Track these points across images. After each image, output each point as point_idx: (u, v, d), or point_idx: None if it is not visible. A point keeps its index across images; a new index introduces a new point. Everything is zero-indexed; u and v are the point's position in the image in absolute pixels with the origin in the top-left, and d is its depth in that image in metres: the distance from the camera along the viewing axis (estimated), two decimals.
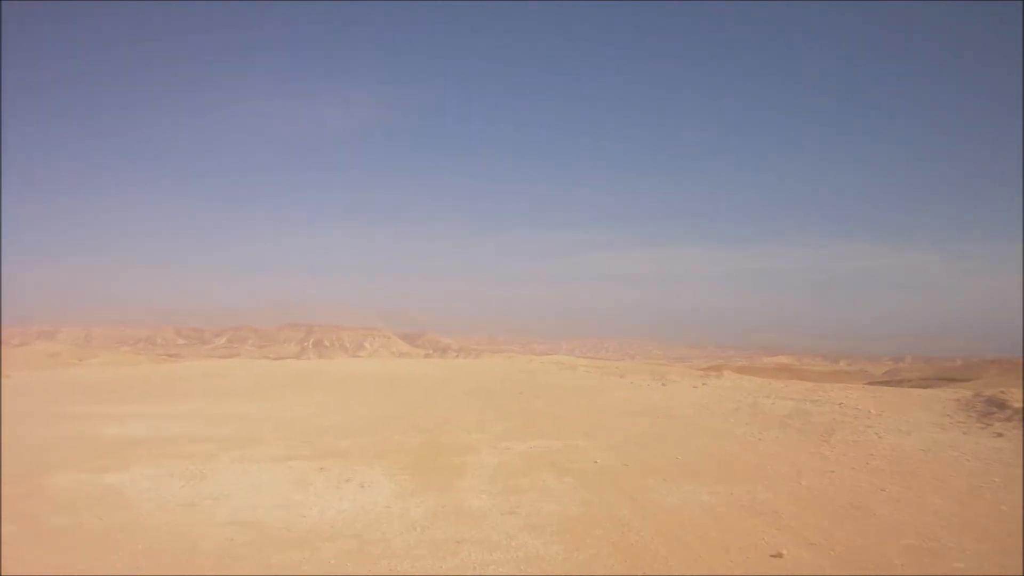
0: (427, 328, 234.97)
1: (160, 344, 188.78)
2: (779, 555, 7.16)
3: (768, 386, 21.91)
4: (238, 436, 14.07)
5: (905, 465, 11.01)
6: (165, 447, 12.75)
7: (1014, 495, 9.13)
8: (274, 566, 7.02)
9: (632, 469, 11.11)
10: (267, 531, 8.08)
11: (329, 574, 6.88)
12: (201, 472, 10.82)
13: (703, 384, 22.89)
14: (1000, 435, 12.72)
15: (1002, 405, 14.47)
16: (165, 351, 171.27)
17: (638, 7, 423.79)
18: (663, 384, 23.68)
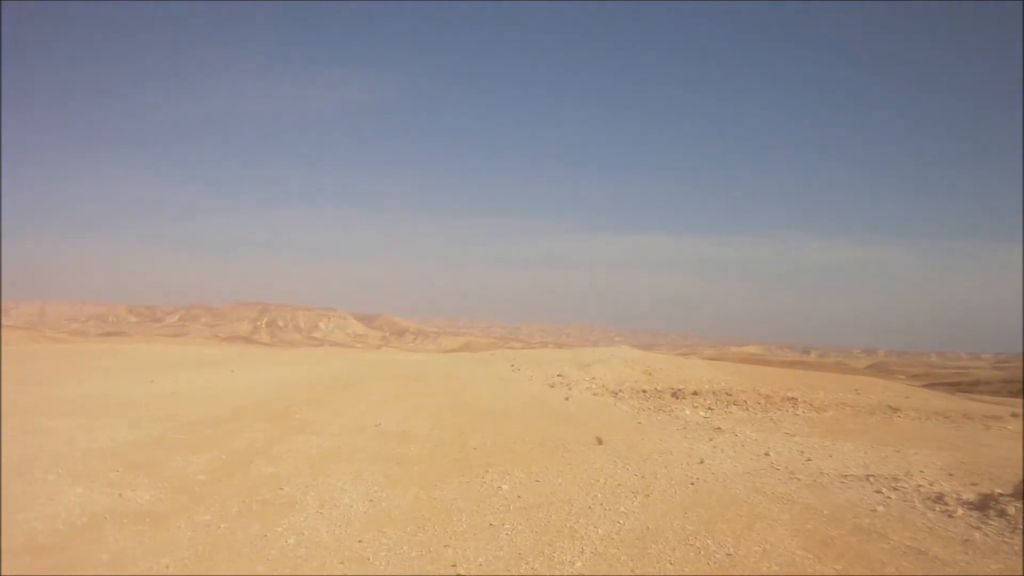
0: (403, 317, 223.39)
1: (111, 321, 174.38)
2: None
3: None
4: None
5: None
6: None
7: None
8: None
9: None
10: None
11: None
12: None
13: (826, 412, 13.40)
14: None
15: None
16: (116, 328, 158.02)
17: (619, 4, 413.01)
18: (722, 426, 14.10)
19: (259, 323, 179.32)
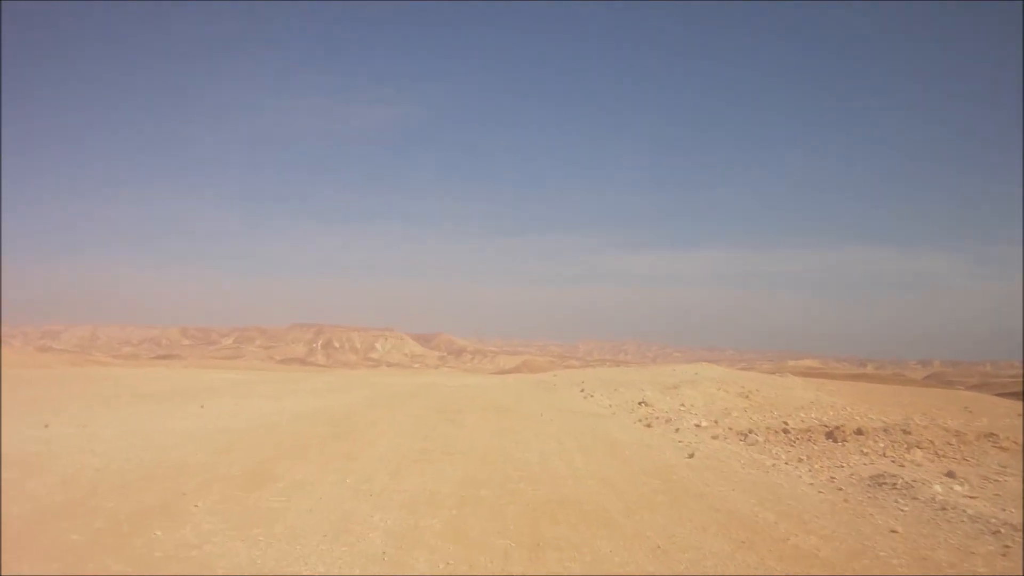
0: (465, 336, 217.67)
1: (164, 344, 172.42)
2: None
3: None
4: None
5: None
6: None
7: None
8: None
9: None
10: None
11: None
12: None
13: None
14: None
15: None
16: (168, 351, 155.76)
17: (654, 9, 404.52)
18: None
19: (315, 345, 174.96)
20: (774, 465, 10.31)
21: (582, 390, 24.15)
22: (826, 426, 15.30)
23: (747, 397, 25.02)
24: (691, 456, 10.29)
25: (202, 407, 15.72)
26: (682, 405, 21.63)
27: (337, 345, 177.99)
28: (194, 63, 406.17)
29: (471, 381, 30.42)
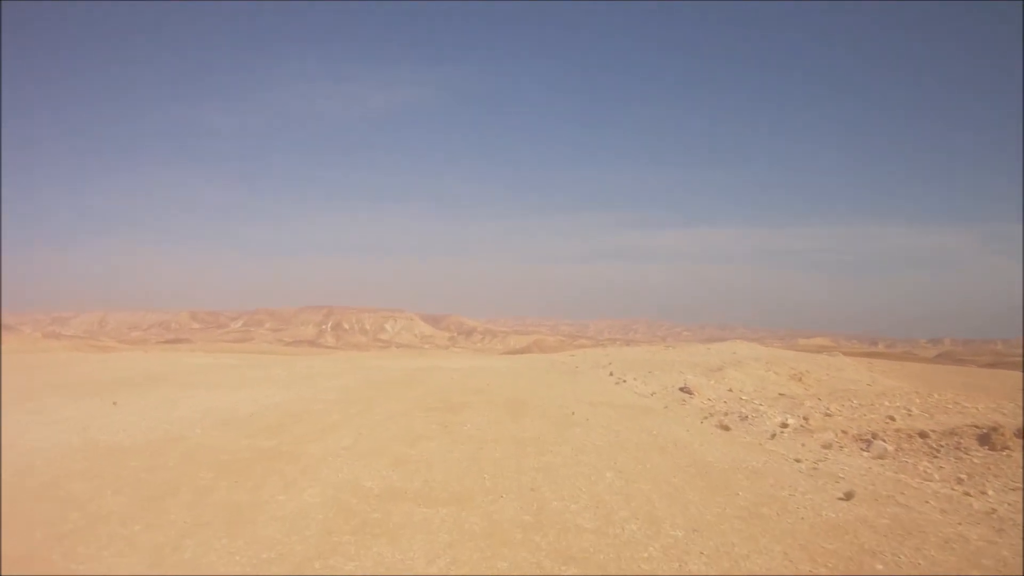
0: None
1: (174, 328, 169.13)
2: None
3: None
4: None
5: None
6: None
7: None
8: None
9: None
10: None
11: None
12: None
13: None
14: None
15: None
16: (178, 335, 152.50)
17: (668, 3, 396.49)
18: None
19: (324, 326, 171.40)
20: (993, 511, 5.91)
21: (611, 374, 19.82)
22: (977, 427, 10.90)
23: (800, 380, 20.69)
24: (849, 498, 5.88)
25: (114, 404, 11.50)
26: (730, 390, 17.38)
27: (347, 327, 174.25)
28: (206, 48, 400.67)
29: (479, 363, 26.01)
